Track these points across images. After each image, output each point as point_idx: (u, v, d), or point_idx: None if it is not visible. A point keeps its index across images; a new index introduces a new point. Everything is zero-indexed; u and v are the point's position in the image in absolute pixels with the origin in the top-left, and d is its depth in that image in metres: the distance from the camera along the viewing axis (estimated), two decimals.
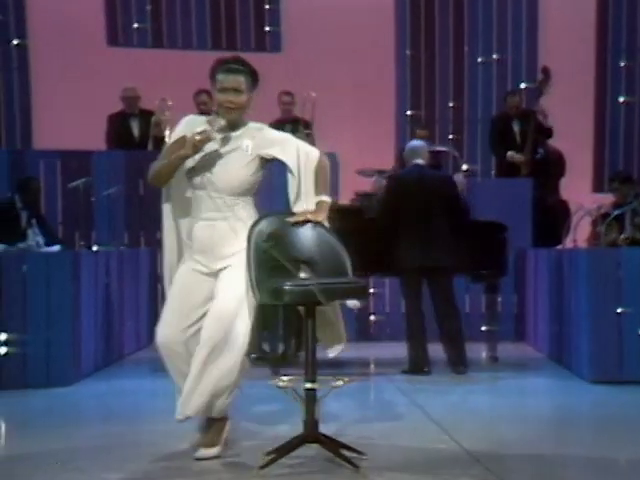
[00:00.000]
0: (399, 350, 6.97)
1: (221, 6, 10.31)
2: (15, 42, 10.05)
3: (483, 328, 7.57)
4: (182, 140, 3.90)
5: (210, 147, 3.88)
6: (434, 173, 6.96)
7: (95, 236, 8.22)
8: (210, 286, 3.91)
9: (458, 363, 6.47)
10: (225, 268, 3.90)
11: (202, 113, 8.78)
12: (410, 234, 6.44)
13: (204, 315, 3.89)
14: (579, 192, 9.17)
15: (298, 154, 3.95)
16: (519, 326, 8.50)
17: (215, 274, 3.92)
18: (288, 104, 9.18)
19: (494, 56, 10.57)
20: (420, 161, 6.69)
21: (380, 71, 10.30)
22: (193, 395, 3.83)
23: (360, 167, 8.14)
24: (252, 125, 3.99)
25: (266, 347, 6.97)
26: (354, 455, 3.81)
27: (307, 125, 9.00)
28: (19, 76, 10.06)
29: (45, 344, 6.06)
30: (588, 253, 6.48)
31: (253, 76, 3.97)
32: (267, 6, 10.34)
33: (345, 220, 6.29)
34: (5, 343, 6.02)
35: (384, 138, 10.13)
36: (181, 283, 3.95)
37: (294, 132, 9.07)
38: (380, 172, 8.05)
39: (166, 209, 4.02)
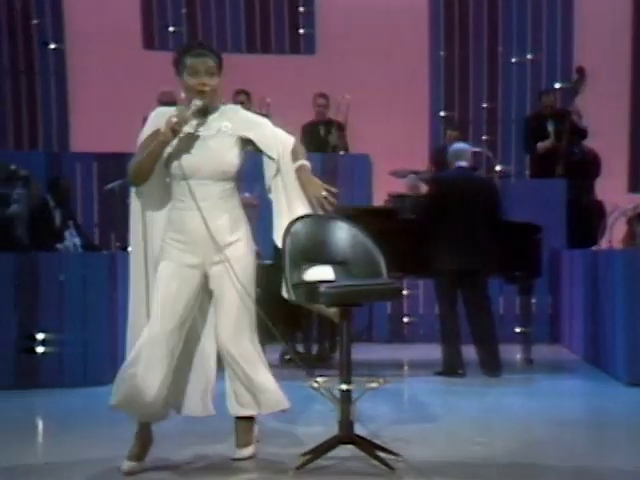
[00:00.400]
0: (432, 352, 6.97)
1: (256, 9, 10.37)
2: (52, 46, 10.22)
3: (517, 330, 7.54)
4: (156, 133, 3.77)
5: (189, 133, 3.77)
6: (478, 176, 7.00)
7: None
8: (200, 280, 3.82)
9: (491, 366, 6.46)
10: (220, 263, 3.80)
11: None
12: (452, 236, 6.43)
13: (192, 310, 3.82)
14: (614, 192, 9.10)
15: (275, 141, 3.87)
16: (554, 328, 8.46)
17: (209, 266, 3.82)
18: (322, 106, 9.21)
19: (528, 56, 10.53)
20: (464, 163, 6.69)
21: (413, 72, 10.30)
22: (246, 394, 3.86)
23: (393, 168, 8.15)
24: (226, 107, 3.91)
25: (300, 348, 7.01)
26: (389, 456, 3.82)
27: (340, 127, 9.02)
28: (56, 79, 10.22)
29: (82, 344, 6.15)
30: (624, 254, 6.43)
31: (220, 60, 3.88)
32: (301, 8, 10.38)
33: (379, 221, 6.34)
34: (43, 343, 6.12)
35: (417, 139, 10.13)
36: (169, 278, 3.79)
37: (328, 133, 9.13)
38: (414, 173, 8.06)
39: (136, 209, 3.89)
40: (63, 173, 8.55)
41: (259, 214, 7.97)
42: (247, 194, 7.62)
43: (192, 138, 3.79)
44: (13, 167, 6.98)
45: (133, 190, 3.92)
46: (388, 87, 10.22)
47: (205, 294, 3.89)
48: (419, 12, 10.41)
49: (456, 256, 6.40)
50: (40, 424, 5.29)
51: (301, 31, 10.42)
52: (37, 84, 10.19)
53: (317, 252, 3.92)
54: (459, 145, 7.02)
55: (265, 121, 3.94)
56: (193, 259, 3.81)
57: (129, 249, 3.97)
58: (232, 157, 3.83)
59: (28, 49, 10.16)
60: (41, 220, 7.52)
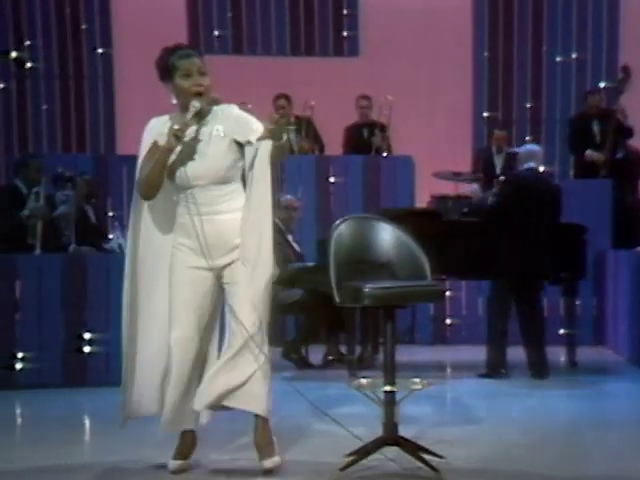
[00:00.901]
0: (475, 353, 6.94)
1: (300, 12, 10.41)
2: (100, 51, 10.33)
3: (561, 332, 7.49)
4: (155, 146, 3.75)
5: (191, 138, 3.72)
6: (545, 178, 6.99)
7: None
8: (213, 282, 3.77)
9: (540, 368, 6.43)
10: (231, 264, 3.75)
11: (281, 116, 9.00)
12: (518, 238, 6.38)
13: (210, 312, 3.79)
14: None
15: (255, 147, 3.72)
16: (598, 329, 8.39)
17: (219, 269, 3.77)
18: (365, 108, 9.23)
19: (573, 55, 10.43)
20: (534, 165, 6.65)
21: (457, 73, 10.27)
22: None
23: (436, 170, 8.13)
24: (218, 108, 3.81)
25: (343, 349, 7.02)
26: (433, 458, 3.81)
27: (383, 128, 9.03)
28: (104, 83, 10.35)
29: None
30: None
31: (202, 57, 3.82)
32: (345, 11, 10.39)
33: (422, 222, 6.33)
34: (90, 342, 6.21)
35: (460, 140, 10.09)
36: (181, 284, 3.77)
37: (371, 135, 9.15)
38: (456, 174, 8.04)
39: (136, 218, 3.89)
40: (109, 175, 8.68)
41: (300, 216, 8.02)
42: (288, 196, 7.69)
43: (190, 144, 3.72)
44: (60, 169, 7.09)
45: (137, 200, 3.89)
46: (431, 88, 10.19)
47: (221, 295, 3.84)
48: (463, 13, 10.36)
49: (523, 259, 6.36)
50: (87, 422, 5.37)
51: (345, 33, 10.43)
52: (85, 88, 10.33)
53: (361, 253, 3.95)
54: (531, 146, 7.06)
55: (252, 122, 3.76)
56: (203, 262, 3.75)
57: (125, 251, 3.94)
58: (229, 161, 3.75)
59: (77, 54, 10.30)
60: (81, 218, 7.63)
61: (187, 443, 3.90)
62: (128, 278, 3.85)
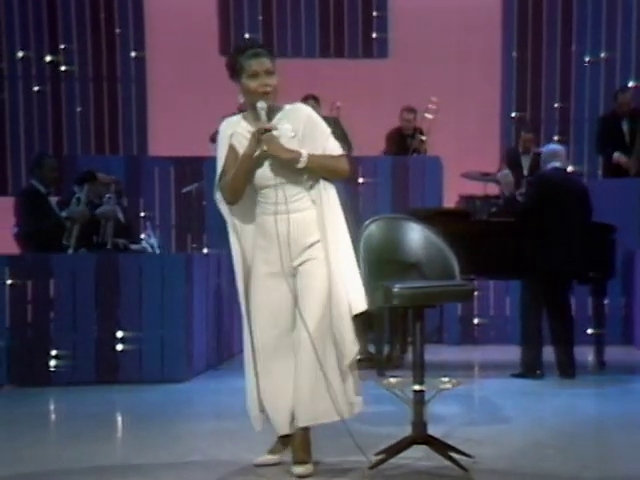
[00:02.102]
0: (503, 353, 6.96)
1: (330, 14, 10.46)
2: (133, 54, 10.45)
3: (589, 331, 7.48)
4: (233, 150, 3.74)
5: (273, 135, 3.67)
6: (573, 177, 6.98)
7: (206, 239, 8.44)
8: (289, 287, 3.74)
9: (568, 367, 6.43)
10: (305, 262, 3.73)
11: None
12: (550, 238, 6.38)
13: (292, 318, 3.75)
14: None
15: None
16: (627, 329, 8.36)
17: (293, 271, 3.75)
18: (408, 121, 9.20)
19: (602, 55, 10.39)
20: (559, 164, 6.63)
21: (485, 73, 10.27)
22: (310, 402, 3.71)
23: (464, 170, 8.14)
24: (290, 108, 3.78)
25: (372, 349, 7.05)
26: (462, 457, 3.83)
27: (422, 132, 9.05)
28: (136, 86, 10.45)
29: (159, 342, 6.32)
30: None
31: (273, 56, 3.77)
32: (375, 13, 10.42)
33: (451, 222, 6.35)
34: (122, 340, 6.31)
35: (489, 140, 10.09)
36: (256, 292, 3.79)
37: (412, 138, 9.16)
38: (484, 175, 8.05)
39: (230, 220, 3.87)
40: (142, 176, 8.80)
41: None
42: None
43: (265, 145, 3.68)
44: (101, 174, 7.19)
45: (223, 205, 3.86)
46: (460, 89, 10.19)
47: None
48: (491, 13, 10.36)
49: (553, 258, 6.36)
50: (119, 419, 5.45)
51: (374, 35, 10.46)
52: (118, 91, 10.44)
53: (390, 254, 3.96)
54: (553, 146, 7.01)
55: (322, 131, 3.76)
56: (273, 268, 3.75)
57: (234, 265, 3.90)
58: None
59: (111, 57, 10.41)
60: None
61: (281, 439, 3.90)
62: (241, 280, 3.87)
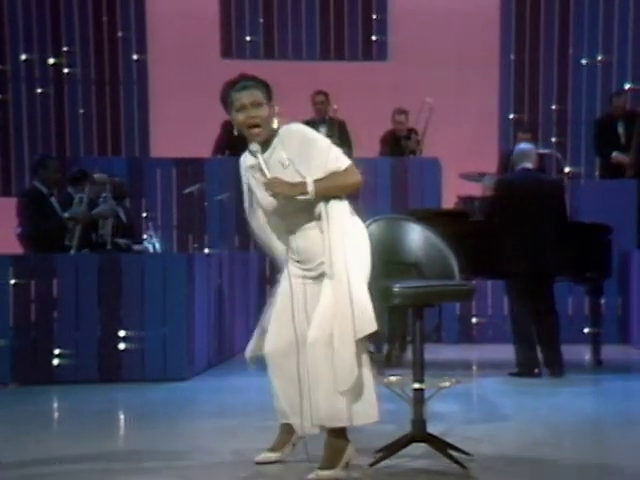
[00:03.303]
0: (502, 352, 7.00)
1: (330, 17, 10.49)
2: (135, 57, 10.49)
3: (586, 330, 7.54)
4: (249, 189, 3.81)
5: (263, 174, 3.65)
6: (543, 177, 6.96)
7: (208, 239, 8.49)
8: (312, 290, 3.73)
9: (555, 366, 6.44)
10: (324, 273, 3.69)
11: (317, 113, 9.07)
12: (521, 239, 6.41)
13: (303, 320, 3.73)
14: None
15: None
16: (623, 328, 8.42)
17: (316, 278, 3.74)
18: (401, 123, 9.24)
19: (599, 57, 10.44)
20: (529, 165, 6.62)
21: (483, 75, 10.30)
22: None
23: (463, 171, 8.19)
24: (282, 132, 3.69)
25: (371, 348, 7.09)
26: (460, 455, 3.85)
27: (417, 132, 9.10)
28: (138, 89, 10.48)
29: (161, 341, 6.36)
30: None
31: (265, 86, 3.70)
32: (374, 16, 10.47)
33: (450, 223, 6.40)
34: (125, 339, 6.36)
35: (487, 142, 10.13)
36: (278, 294, 3.82)
37: (407, 140, 9.21)
38: (482, 175, 8.10)
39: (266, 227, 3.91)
40: (144, 177, 8.85)
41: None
42: None
43: (261, 180, 3.68)
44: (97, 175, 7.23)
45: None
46: (458, 91, 10.23)
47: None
48: (490, 16, 10.39)
49: (526, 259, 6.39)
50: (122, 417, 5.49)
51: (374, 38, 10.50)
52: (120, 93, 10.47)
53: (390, 254, 3.97)
54: (524, 146, 6.92)
55: (320, 149, 3.64)
56: (303, 271, 3.76)
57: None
58: None
59: (113, 60, 10.44)
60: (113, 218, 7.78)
61: (281, 437, 3.92)
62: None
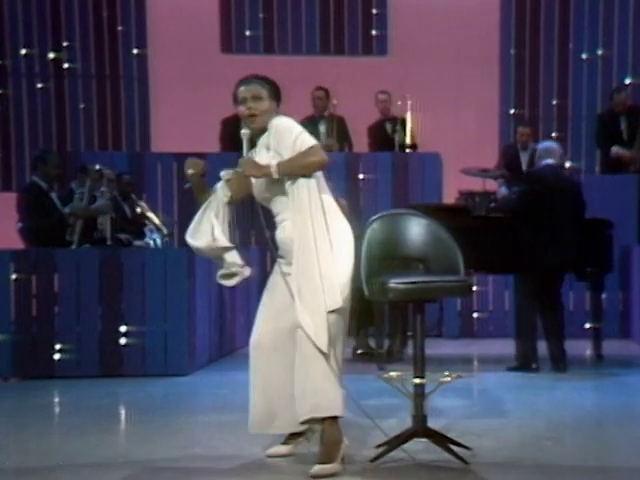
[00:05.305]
0: (502, 347, 7.01)
1: (330, 12, 10.51)
2: (135, 51, 10.49)
3: (587, 325, 7.55)
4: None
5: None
6: (565, 174, 7.01)
7: None
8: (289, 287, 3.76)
9: (560, 361, 6.48)
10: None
11: (317, 109, 9.15)
12: (543, 234, 6.44)
13: (288, 315, 3.75)
14: None
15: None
16: (624, 323, 8.43)
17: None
18: (385, 102, 9.29)
19: (599, 52, 10.44)
20: (552, 161, 6.66)
21: (484, 70, 10.32)
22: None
23: (463, 166, 8.19)
24: (270, 124, 3.84)
25: (372, 343, 7.11)
26: (462, 450, 3.86)
27: (404, 123, 9.10)
28: (139, 83, 10.50)
29: (162, 336, 6.38)
30: None
31: (271, 85, 3.87)
32: (374, 10, 10.47)
33: (451, 218, 6.40)
34: (125, 334, 6.37)
35: (488, 137, 10.15)
36: (270, 286, 3.91)
37: (393, 131, 9.22)
38: (484, 171, 8.10)
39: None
40: (145, 172, 8.86)
41: (347, 214, 8.11)
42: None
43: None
44: (98, 167, 7.23)
45: None
46: (459, 86, 10.25)
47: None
48: (490, 11, 10.40)
49: (547, 255, 6.41)
50: (123, 412, 5.50)
51: (374, 33, 10.51)
52: (121, 88, 10.49)
53: (394, 248, 3.96)
54: (548, 143, 7.06)
55: (289, 135, 3.76)
56: (285, 266, 3.81)
57: None
58: (272, 180, 3.76)
59: (113, 55, 10.46)
60: (117, 214, 7.79)
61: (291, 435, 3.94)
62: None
